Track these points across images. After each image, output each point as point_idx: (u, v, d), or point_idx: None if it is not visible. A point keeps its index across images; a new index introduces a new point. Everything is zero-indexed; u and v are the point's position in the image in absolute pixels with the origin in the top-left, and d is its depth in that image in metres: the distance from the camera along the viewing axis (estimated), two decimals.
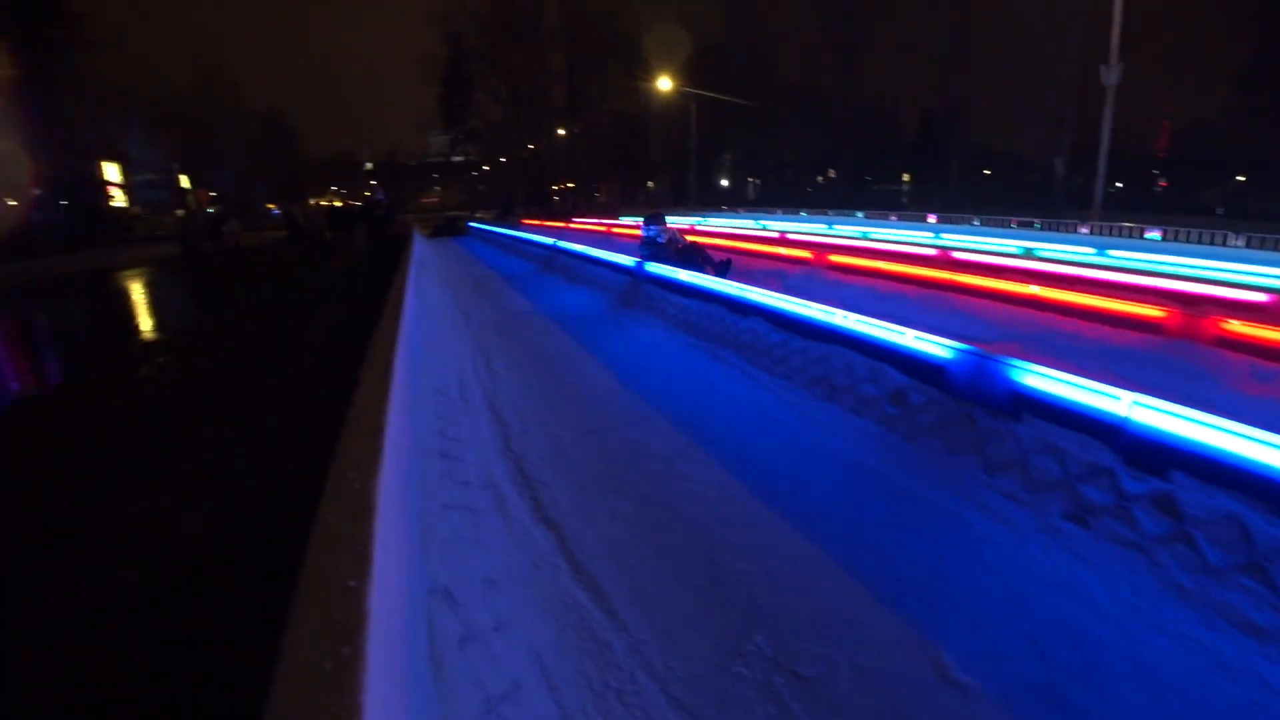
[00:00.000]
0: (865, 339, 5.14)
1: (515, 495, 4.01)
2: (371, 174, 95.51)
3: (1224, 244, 15.24)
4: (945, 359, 4.44)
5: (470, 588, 2.72)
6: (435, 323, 8.04)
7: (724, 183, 63.09)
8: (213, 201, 54.69)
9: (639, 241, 11.17)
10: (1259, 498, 2.85)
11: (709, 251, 10.86)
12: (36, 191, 34.77)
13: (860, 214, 30.11)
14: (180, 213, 43.29)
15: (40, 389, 7.39)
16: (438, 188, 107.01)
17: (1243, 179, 35.89)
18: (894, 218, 27.89)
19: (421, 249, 14.06)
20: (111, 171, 42.76)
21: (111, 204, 41.99)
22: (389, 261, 13.09)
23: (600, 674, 2.62)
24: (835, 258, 11.04)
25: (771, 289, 6.83)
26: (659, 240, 10.68)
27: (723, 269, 9.90)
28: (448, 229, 39.83)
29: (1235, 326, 5.76)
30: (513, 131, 60.83)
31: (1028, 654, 2.67)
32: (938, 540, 3.48)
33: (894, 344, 4.85)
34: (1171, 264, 10.65)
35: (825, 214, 32.15)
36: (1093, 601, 2.94)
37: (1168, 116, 39.48)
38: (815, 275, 10.47)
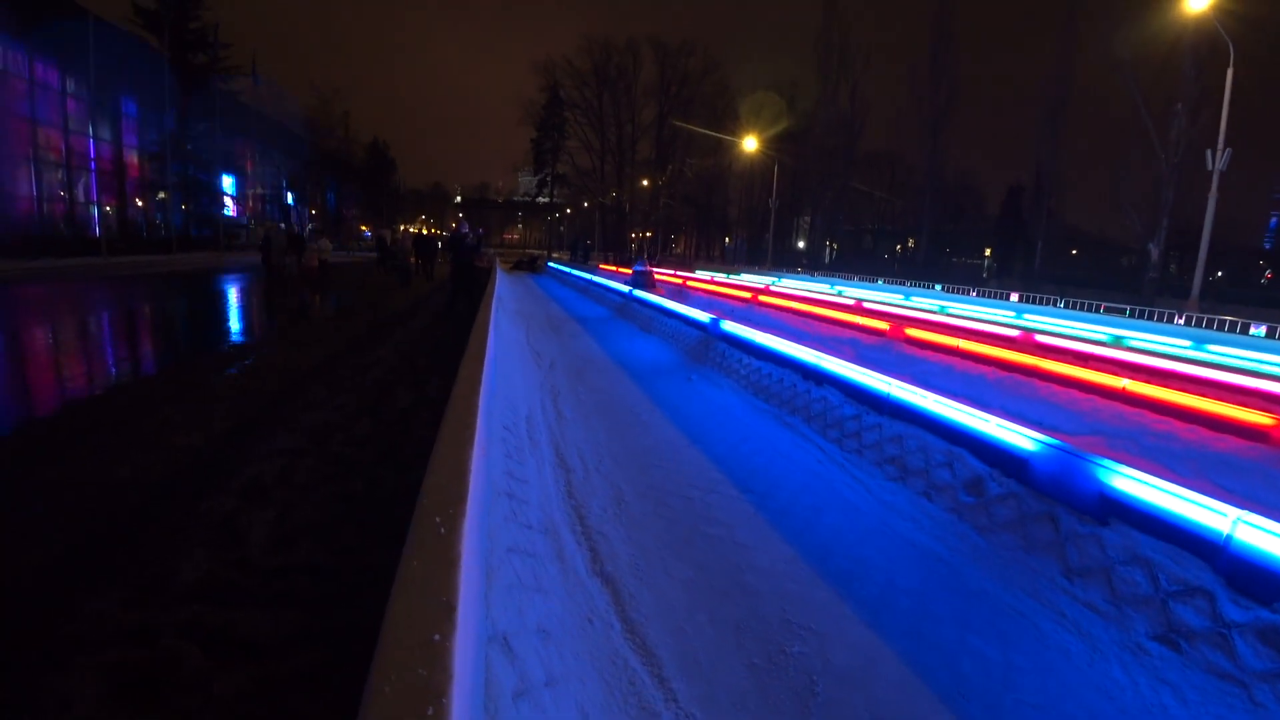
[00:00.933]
0: (944, 422, 4.99)
1: (575, 545, 4.02)
2: (460, 207, 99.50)
3: None
4: (1029, 451, 4.26)
5: (526, 638, 2.72)
6: (508, 360, 8.23)
7: (800, 244, 63.15)
8: (312, 219, 57.98)
9: (631, 272, 19.83)
10: None
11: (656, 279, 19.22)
12: (162, 195, 37.77)
13: (939, 287, 29.58)
14: (275, 224, 46.12)
15: (133, 379, 7.86)
16: (520, 225, 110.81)
17: None
18: (974, 293, 27.29)
19: (501, 285, 14.49)
20: (227, 183, 46.07)
21: (224, 213, 45.14)
22: (470, 294, 13.53)
23: None
24: (912, 331, 10.80)
25: (845, 359, 6.73)
26: (645, 271, 19.05)
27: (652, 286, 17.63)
28: (527, 266, 41.12)
29: None
30: (598, 178, 62.69)
31: None
32: (1008, 646, 3.30)
33: (974, 430, 4.69)
34: None
35: (903, 284, 31.70)
36: None
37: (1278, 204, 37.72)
38: (890, 348, 10.26)
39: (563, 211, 75.95)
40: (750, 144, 44.78)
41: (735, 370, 8.55)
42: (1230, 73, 18.90)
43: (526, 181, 78.37)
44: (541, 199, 71.17)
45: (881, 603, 3.63)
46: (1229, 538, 3.17)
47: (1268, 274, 41.89)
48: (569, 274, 29.03)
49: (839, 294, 20.39)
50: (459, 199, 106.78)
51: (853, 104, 53.47)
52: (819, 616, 3.47)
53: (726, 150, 54.64)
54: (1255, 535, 3.07)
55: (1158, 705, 2.88)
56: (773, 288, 21.74)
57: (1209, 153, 19.47)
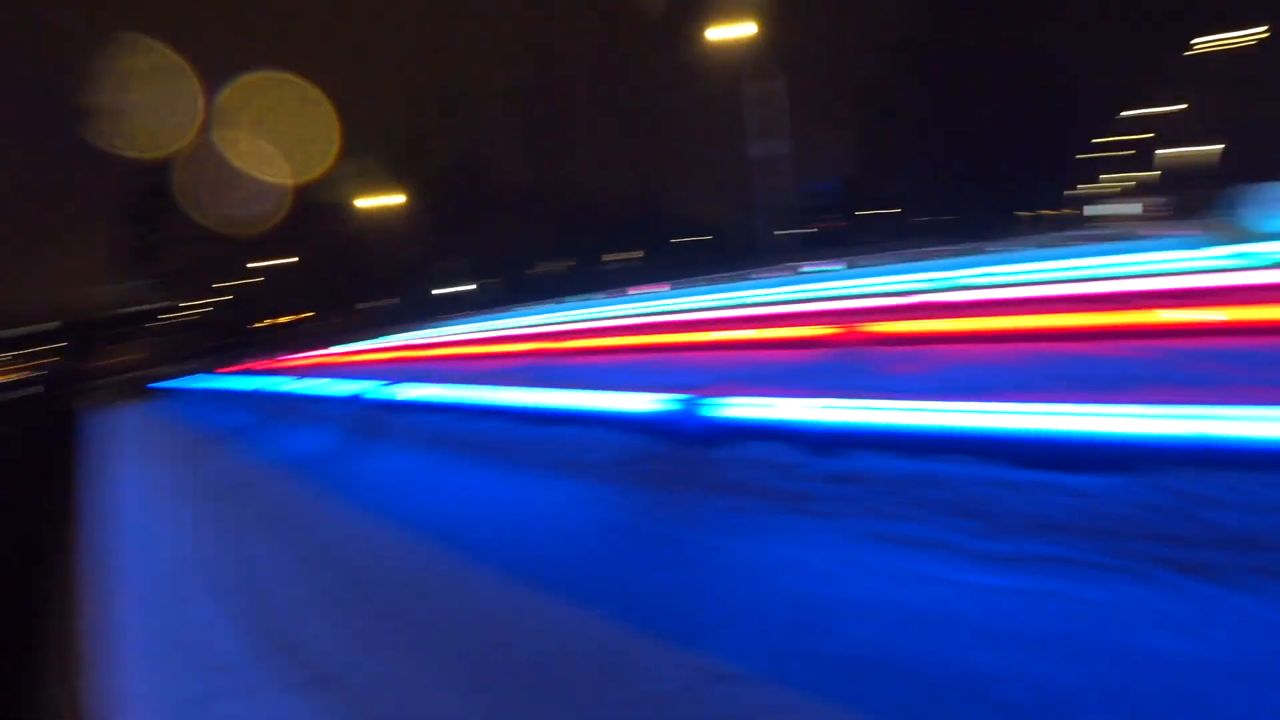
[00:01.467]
0: (591, 413, 5.65)
1: (269, 666, 3.61)
2: (47, 336, 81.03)
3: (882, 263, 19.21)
4: (662, 413, 4.98)
5: None
6: (142, 503, 7.02)
7: (460, 288, 63.16)
8: None
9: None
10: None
11: None
12: None
13: (597, 295, 32.04)
14: None
15: None
16: (138, 340, 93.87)
17: (898, 210, 45.47)
18: (631, 291, 30.06)
19: (114, 420, 12.24)
20: None
21: None
22: (70, 441, 11.26)
23: None
24: (561, 344, 11.67)
25: (503, 386, 7.09)
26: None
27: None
28: (137, 390, 34.28)
29: (879, 328, 7.53)
30: (214, 270, 56.07)
31: (777, 630, 3.07)
32: (687, 568, 3.88)
33: (614, 411, 5.42)
34: (846, 288, 13.18)
35: (563, 301, 33.55)
36: (810, 568, 3.52)
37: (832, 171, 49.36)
38: (542, 364, 10.91)
39: (185, 314, 66.14)
40: (379, 202, 44.03)
41: (400, 430, 8.32)
42: (771, 83, 24.23)
43: (131, 289, 66.57)
44: (152, 305, 61.52)
45: (582, 584, 3.94)
46: (805, 421, 4.13)
47: (840, 223, 52.33)
48: (202, 386, 24.67)
49: (494, 329, 20.61)
50: (44, 328, 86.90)
51: (470, 141, 55.39)
52: (533, 620, 3.65)
53: (359, 214, 52.72)
54: (820, 413, 4.17)
55: (793, 555, 3.68)
56: (426, 340, 21.30)
57: (759, 143, 24.53)
